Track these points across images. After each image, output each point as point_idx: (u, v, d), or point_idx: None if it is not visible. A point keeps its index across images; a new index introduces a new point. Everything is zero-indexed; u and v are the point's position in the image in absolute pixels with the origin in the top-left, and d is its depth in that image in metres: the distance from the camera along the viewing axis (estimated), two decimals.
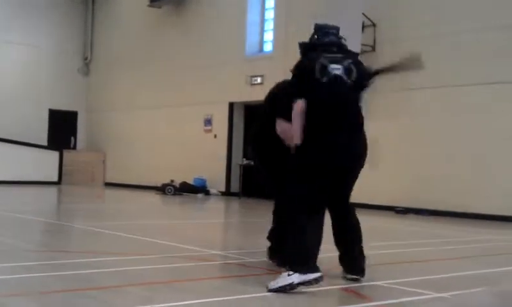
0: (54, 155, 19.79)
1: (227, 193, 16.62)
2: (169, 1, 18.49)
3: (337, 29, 5.01)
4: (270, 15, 16.80)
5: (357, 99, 4.71)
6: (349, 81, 4.60)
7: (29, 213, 10.01)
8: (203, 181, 17.02)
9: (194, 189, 16.69)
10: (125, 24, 20.71)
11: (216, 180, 16.82)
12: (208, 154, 17.11)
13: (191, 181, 16.96)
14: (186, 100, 18.10)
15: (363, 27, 13.79)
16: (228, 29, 17.00)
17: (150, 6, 18.83)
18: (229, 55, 16.86)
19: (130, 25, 20.56)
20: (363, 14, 13.74)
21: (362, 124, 4.66)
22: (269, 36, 16.82)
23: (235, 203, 14.79)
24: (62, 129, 21.19)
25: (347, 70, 4.62)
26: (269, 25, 16.83)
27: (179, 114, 18.34)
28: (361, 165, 4.68)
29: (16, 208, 11.08)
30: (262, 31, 17.03)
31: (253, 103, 16.52)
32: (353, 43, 13.50)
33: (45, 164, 19.51)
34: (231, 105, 16.91)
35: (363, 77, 4.73)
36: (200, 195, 16.43)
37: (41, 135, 20.40)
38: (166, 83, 18.97)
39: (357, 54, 4.97)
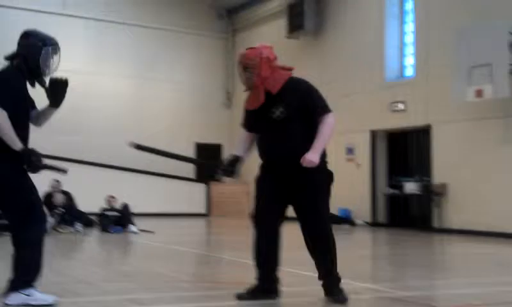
0: (201, 188, 20.68)
1: (373, 224, 16.33)
2: (307, 32, 18.70)
3: (24, 34, 4.80)
4: (409, 39, 16.48)
5: None
6: None
7: (182, 244, 10.46)
8: (348, 211, 16.88)
9: (338, 220, 16.56)
10: None
11: (361, 210, 16.60)
12: (352, 184, 16.95)
13: (334, 212, 16.85)
14: None
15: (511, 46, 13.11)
16: (367, 56, 16.88)
17: (288, 37, 19.16)
18: (368, 82, 16.71)
19: None
20: (510, 32, 13.08)
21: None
22: (409, 60, 16.49)
23: (383, 234, 14.47)
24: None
25: None
26: (409, 50, 16.50)
27: None
28: None
29: (170, 239, 11.63)
30: (402, 55, 16.72)
31: (396, 130, 16.22)
32: (500, 61, 12.92)
33: (194, 196, 20.42)
34: (373, 133, 16.69)
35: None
36: (345, 226, 16.29)
37: (189, 168, 21.27)
38: None
39: (14, 67, 4.69)
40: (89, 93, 19.52)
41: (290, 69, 4.96)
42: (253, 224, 4.94)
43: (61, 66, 4.89)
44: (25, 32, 4.82)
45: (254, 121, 4.97)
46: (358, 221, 16.47)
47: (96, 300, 5.02)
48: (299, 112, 4.74)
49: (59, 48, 4.82)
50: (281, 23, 19.30)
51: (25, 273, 4.57)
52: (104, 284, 5.93)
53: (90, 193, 14.89)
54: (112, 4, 20.40)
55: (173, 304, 4.90)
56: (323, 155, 4.87)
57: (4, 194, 4.56)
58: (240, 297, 4.88)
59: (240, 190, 21.38)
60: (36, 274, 4.60)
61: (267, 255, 4.90)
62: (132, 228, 12.46)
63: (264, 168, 5.00)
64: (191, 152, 21.69)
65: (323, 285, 4.98)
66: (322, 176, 4.89)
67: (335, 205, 16.74)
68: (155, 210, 18.74)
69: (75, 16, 19.71)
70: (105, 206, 13.18)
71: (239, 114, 20.95)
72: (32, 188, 4.67)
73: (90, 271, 7.06)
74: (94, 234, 12.37)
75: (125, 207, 13.00)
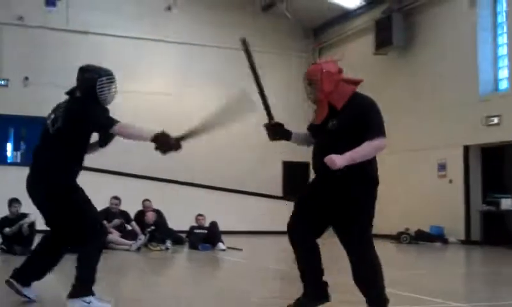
0: (288, 206, 20.58)
1: (467, 241, 15.72)
2: (395, 47, 18.37)
3: (81, 69, 5.15)
4: (503, 51, 15.87)
5: (58, 145, 4.95)
6: (51, 129, 4.99)
7: (270, 262, 10.44)
8: (440, 229, 16.34)
9: (430, 237, 16.08)
10: (353, 73, 20.90)
11: (454, 228, 16.03)
12: (444, 200, 16.43)
13: (426, 229, 16.39)
14: (417, 144, 17.67)
15: None
16: (458, 69, 16.37)
17: (375, 53, 18.92)
18: (461, 96, 16.17)
19: (357, 73, 20.64)
20: None
21: (43, 169, 4.97)
22: (503, 73, 15.87)
23: (477, 252, 13.91)
24: (295, 180, 21.96)
25: (54, 119, 5.01)
26: (504, 62, 15.89)
27: (411, 159, 17.94)
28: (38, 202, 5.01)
29: (258, 257, 11.64)
30: (496, 68, 16.11)
31: (490, 145, 15.62)
32: None
33: (281, 214, 20.32)
34: (466, 148, 16.13)
35: (70, 124, 4.91)
36: (437, 243, 15.77)
37: (275, 186, 21.26)
38: (394, 128, 18.66)
39: (79, 99, 5.07)
40: (181, 115, 19.95)
41: (356, 82, 4.92)
42: (287, 234, 4.90)
43: (154, 89, 5.16)
44: (81, 68, 5.20)
45: (315, 129, 5.01)
46: (451, 239, 15.91)
47: None
48: (355, 128, 4.58)
49: (114, 79, 5.16)
50: (369, 40, 19.09)
51: (86, 282, 4.91)
52: (192, 301, 5.98)
53: (180, 212, 15.17)
54: (201, 29, 20.84)
55: None
56: (369, 173, 4.65)
57: (60, 213, 4.98)
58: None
59: None
60: (93, 282, 4.95)
61: (301, 267, 5.00)
62: (221, 245, 12.57)
63: (309, 183, 4.98)
64: (278, 170, 21.79)
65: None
66: (362, 194, 4.67)
67: (427, 222, 16.44)
68: (244, 228, 18.87)
69: (167, 42, 20.26)
70: (194, 224, 13.37)
71: None
72: (85, 204, 5.03)
73: (179, 288, 7.15)
74: (183, 251, 12.56)
75: (214, 225, 13.14)
